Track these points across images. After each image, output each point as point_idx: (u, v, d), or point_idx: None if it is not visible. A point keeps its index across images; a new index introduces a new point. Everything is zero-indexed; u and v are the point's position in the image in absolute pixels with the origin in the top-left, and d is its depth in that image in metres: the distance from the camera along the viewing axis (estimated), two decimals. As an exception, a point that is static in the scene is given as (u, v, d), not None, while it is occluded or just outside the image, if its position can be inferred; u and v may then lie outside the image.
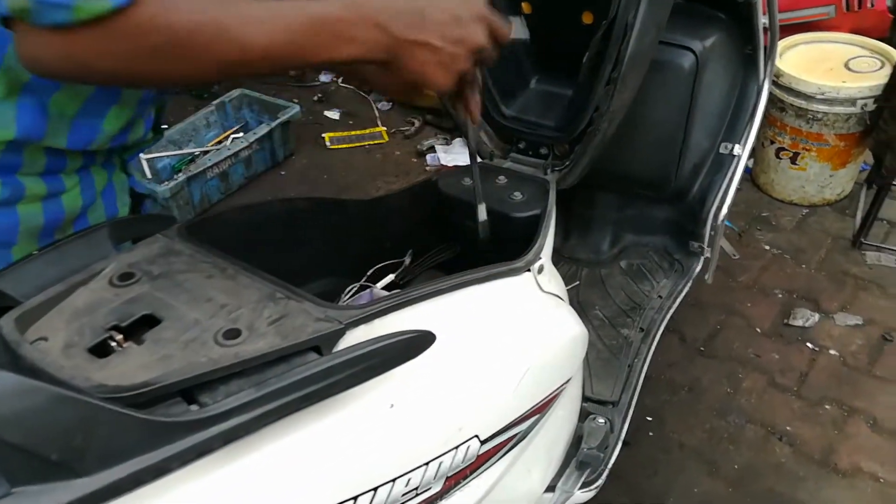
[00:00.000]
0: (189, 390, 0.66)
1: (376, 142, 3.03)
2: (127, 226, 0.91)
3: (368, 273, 1.24)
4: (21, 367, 0.65)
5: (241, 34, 0.66)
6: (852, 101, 2.33)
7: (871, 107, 2.32)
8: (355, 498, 0.73)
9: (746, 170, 2.16)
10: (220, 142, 2.87)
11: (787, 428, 1.83)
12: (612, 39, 1.20)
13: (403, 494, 0.78)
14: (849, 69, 2.44)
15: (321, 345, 0.74)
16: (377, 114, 3.17)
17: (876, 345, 2.03)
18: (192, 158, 2.73)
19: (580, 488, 1.22)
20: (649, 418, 1.85)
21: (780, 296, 2.21)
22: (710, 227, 1.66)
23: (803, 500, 1.67)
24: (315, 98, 3.29)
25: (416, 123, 3.08)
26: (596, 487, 1.27)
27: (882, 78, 2.31)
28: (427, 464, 0.80)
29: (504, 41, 0.82)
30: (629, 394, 1.42)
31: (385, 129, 3.10)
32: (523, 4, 1.47)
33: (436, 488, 0.83)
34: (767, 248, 2.40)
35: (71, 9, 0.60)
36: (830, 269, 2.30)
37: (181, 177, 2.54)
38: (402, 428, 0.78)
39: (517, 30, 0.93)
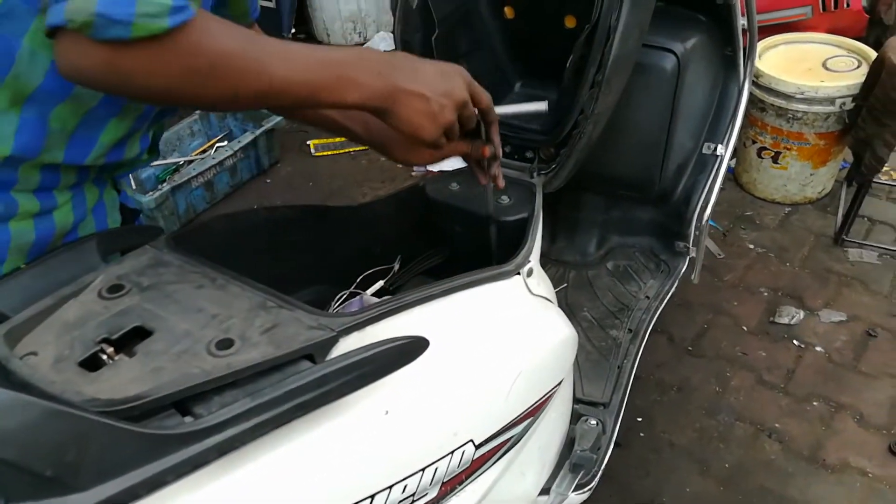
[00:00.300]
0: (183, 402, 0.65)
1: (361, 148, 3.03)
2: (114, 238, 0.91)
3: (358, 280, 1.24)
4: (11, 382, 0.64)
5: (268, 67, 0.73)
6: (831, 101, 2.36)
7: (850, 105, 2.35)
8: (352, 506, 0.73)
9: (729, 169, 2.18)
10: (204, 151, 2.85)
11: (776, 425, 1.84)
12: (595, 43, 1.21)
13: (400, 501, 0.78)
14: (827, 69, 2.47)
15: (314, 353, 0.73)
16: (361, 120, 3.16)
17: (860, 341, 2.05)
18: (177, 168, 2.71)
19: (574, 490, 1.22)
20: (639, 419, 1.86)
21: (766, 294, 2.23)
22: (695, 226, 1.68)
23: (793, 496, 1.68)
24: (298, 105, 3.28)
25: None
26: (590, 489, 1.27)
27: (859, 77, 2.34)
28: (423, 470, 0.80)
29: (484, 106, 0.91)
30: (620, 394, 1.42)
31: (369, 135, 3.09)
32: (506, 9, 1.47)
33: (432, 494, 0.83)
34: (751, 246, 2.42)
35: (130, 26, 0.64)
36: (814, 267, 2.32)
37: (166, 187, 2.52)
38: (398, 434, 0.78)
39: (540, 106, 1.08)
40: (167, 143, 2.76)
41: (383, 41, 3.72)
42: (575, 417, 1.33)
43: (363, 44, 3.77)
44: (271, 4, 3.32)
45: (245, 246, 1.08)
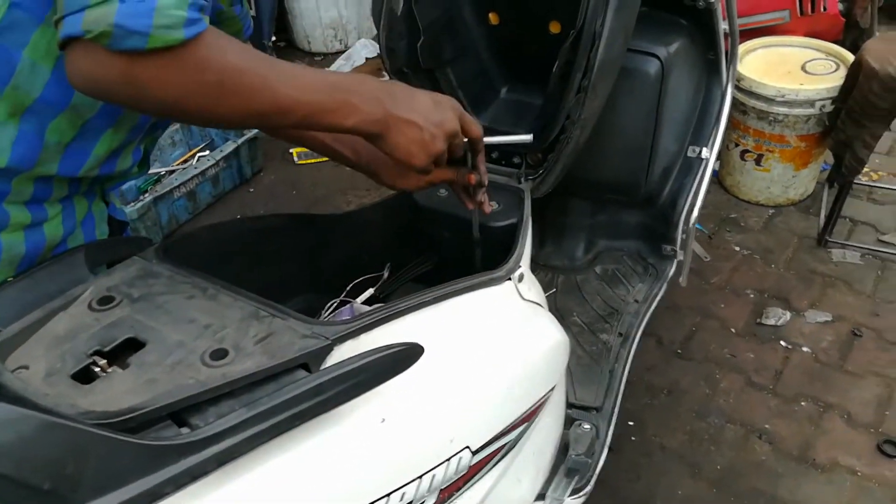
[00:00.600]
0: (178, 413, 0.65)
1: (345, 157, 3.02)
2: (102, 249, 0.90)
3: (348, 288, 1.23)
4: (3, 396, 0.63)
5: (276, 86, 0.75)
6: (811, 103, 2.39)
7: (829, 108, 2.38)
8: (350, 515, 0.72)
9: (713, 172, 2.19)
10: (185, 161, 2.83)
11: (766, 426, 1.85)
12: (580, 48, 1.21)
13: (398, 509, 0.77)
14: (806, 72, 2.50)
15: (309, 362, 0.73)
16: (344, 129, 3.15)
17: (846, 340, 2.07)
18: (158, 178, 2.69)
19: (570, 495, 1.22)
20: (630, 423, 1.86)
21: (752, 296, 2.24)
22: (682, 230, 1.69)
23: (784, 496, 1.69)
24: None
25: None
26: (585, 494, 1.27)
27: (838, 80, 2.37)
28: (421, 477, 0.79)
29: (474, 136, 0.95)
30: (612, 399, 1.42)
31: (353, 143, 3.08)
32: (491, 15, 1.48)
33: (430, 501, 0.82)
34: (737, 248, 2.44)
35: (147, 37, 0.65)
36: (798, 268, 2.34)
37: (147, 197, 2.50)
38: (395, 442, 0.78)
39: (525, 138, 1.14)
40: (149, 155, 2.73)
41: (364, 48, 3.72)
42: (568, 422, 1.33)
43: (344, 51, 3.76)
44: (251, 12, 3.31)
45: (233, 255, 1.08)
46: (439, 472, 0.82)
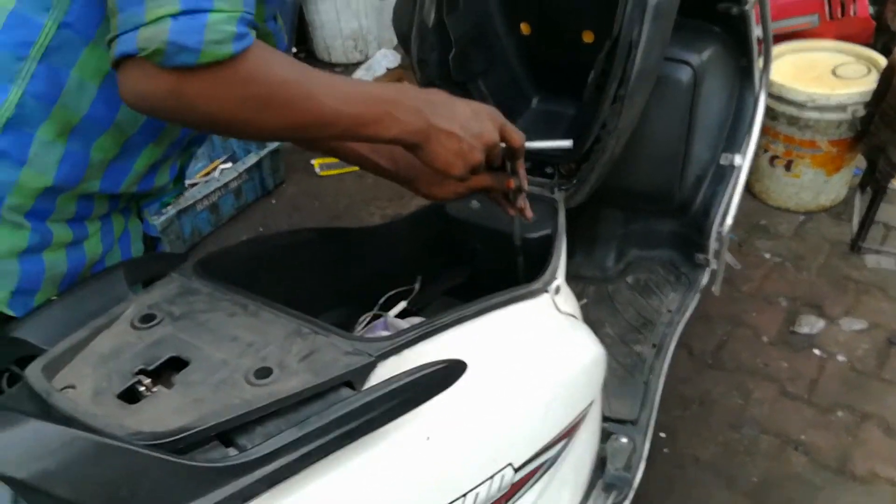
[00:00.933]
0: (226, 433, 0.64)
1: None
2: (140, 266, 0.90)
3: (381, 301, 1.23)
4: (53, 416, 0.63)
5: (319, 97, 0.76)
6: (843, 108, 2.35)
7: (862, 112, 2.35)
8: (397, 535, 0.71)
9: (743, 179, 2.16)
10: (207, 173, 2.84)
11: (802, 437, 1.82)
12: (617, 57, 1.20)
13: (443, 528, 0.76)
14: (836, 76, 2.46)
15: (353, 379, 0.72)
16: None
17: (882, 348, 2.03)
18: (181, 191, 2.70)
19: (608, 510, 1.21)
20: (662, 434, 1.83)
21: (784, 304, 2.21)
22: (715, 238, 1.67)
23: (823, 509, 1.66)
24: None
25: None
26: (624, 509, 1.25)
27: (870, 83, 2.34)
28: (465, 495, 0.78)
29: (515, 146, 0.94)
30: (648, 411, 1.40)
31: (376, 153, 3.08)
32: (522, 25, 1.47)
33: (473, 520, 0.81)
34: (768, 256, 2.40)
35: (198, 52, 0.67)
36: (831, 275, 2.30)
37: (171, 210, 2.50)
38: (440, 460, 0.77)
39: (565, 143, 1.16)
40: (174, 166, 2.75)
41: (385, 58, 3.73)
42: (604, 436, 1.32)
43: (364, 61, 3.77)
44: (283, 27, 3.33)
45: (267, 270, 1.08)
46: (483, 489, 0.81)
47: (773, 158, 2.54)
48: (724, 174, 1.69)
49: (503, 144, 0.93)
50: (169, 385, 0.69)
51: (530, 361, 0.93)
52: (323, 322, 0.79)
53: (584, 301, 1.71)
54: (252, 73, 0.70)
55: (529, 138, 1.01)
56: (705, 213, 1.67)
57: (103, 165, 0.85)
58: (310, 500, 0.65)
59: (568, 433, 0.99)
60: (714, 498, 1.70)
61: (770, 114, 2.45)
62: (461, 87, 1.42)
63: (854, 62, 2.51)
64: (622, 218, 1.77)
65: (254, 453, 0.60)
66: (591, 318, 1.67)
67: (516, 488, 0.88)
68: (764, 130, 2.52)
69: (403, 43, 1.41)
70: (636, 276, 1.76)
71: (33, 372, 0.67)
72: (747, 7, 1.49)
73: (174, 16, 0.65)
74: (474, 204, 1.26)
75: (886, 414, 1.86)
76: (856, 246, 2.38)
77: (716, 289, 1.74)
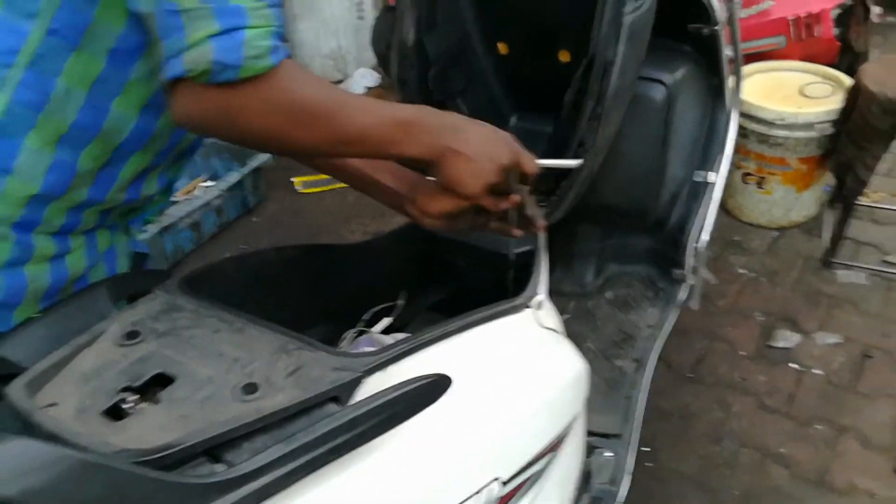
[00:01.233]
0: (213, 449, 0.64)
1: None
2: (124, 283, 0.89)
3: (365, 318, 1.22)
4: (36, 434, 0.62)
5: (347, 115, 0.79)
6: (810, 126, 2.41)
7: (829, 130, 2.41)
8: (385, 550, 0.71)
9: (717, 196, 2.20)
10: (189, 191, 2.83)
11: (781, 450, 1.84)
12: (592, 76, 1.22)
13: (431, 543, 0.76)
14: (804, 95, 2.53)
15: (339, 395, 0.72)
16: (346, 158, 3.16)
17: (857, 362, 2.07)
18: (162, 209, 2.68)
19: (593, 525, 1.21)
20: (644, 448, 1.84)
21: (760, 318, 2.24)
22: (691, 254, 1.69)
23: (803, 521, 1.68)
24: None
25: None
26: (608, 523, 1.25)
27: (836, 102, 2.40)
28: (452, 510, 0.78)
29: (530, 172, 0.96)
30: (631, 425, 1.41)
31: (356, 172, 3.09)
32: (500, 45, 1.49)
33: (461, 535, 0.81)
34: (742, 271, 2.44)
35: (239, 68, 0.70)
36: (804, 290, 2.34)
37: (153, 228, 2.49)
38: (426, 475, 0.77)
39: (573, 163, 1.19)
40: (153, 187, 2.73)
41: (364, 78, 3.75)
42: (589, 450, 1.32)
43: (343, 80, 3.79)
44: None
45: (251, 287, 1.07)
46: (470, 504, 0.81)
47: (745, 175, 2.59)
48: (699, 191, 1.72)
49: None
50: (154, 402, 0.69)
51: (514, 376, 0.94)
52: (308, 338, 0.78)
53: (566, 316, 1.72)
54: (289, 84, 0.74)
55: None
56: (680, 229, 1.70)
57: (91, 174, 0.85)
58: (298, 516, 0.65)
59: (553, 447, 0.99)
60: (696, 512, 1.71)
61: (741, 132, 2.49)
62: (441, 106, 1.43)
63: (820, 82, 2.57)
64: (599, 233, 1.79)
65: (241, 469, 0.60)
66: (573, 333, 1.66)
67: (503, 502, 0.88)
68: (736, 148, 2.57)
69: (382, 62, 1.42)
70: (615, 291, 1.78)
71: (15, 389, 0.66)
72: (718, 28, 1.52)
73: (213, 36, 0.69)
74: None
75: (863, 426, 1.88)
76: (827, 261, 2.43)
77: (694, 303, 1.76)
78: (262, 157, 2.82)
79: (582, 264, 1.80)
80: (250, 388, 0.70)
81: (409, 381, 0.72)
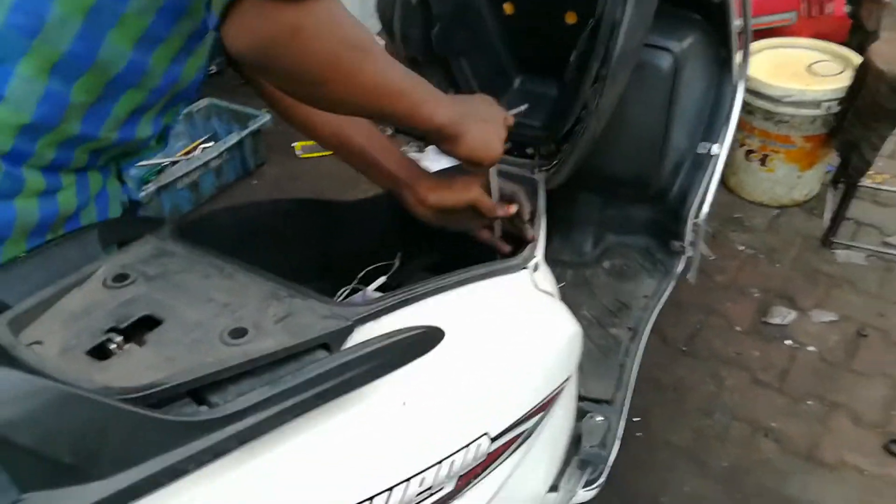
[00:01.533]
0: (198, 391, 0.63)
1: (347, 151, 3.00)
2: (116, 227, 0.88)
3: (360, 275, 1.21)
4: (19, 370, 0.61)
5: (376, 62, 0.78)
6: (817, 104, 2.38)
7: (836, 109, 2.38)
8: (371, 498, 0.70)
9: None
10: (188, 152, 2.81)
11: (772, 424, 1.84)
12: (599, 37, 1.20)
13: (418, 494, 0.76)
14: (812, 73, 2.49)
15: (330, 342, 0.71)
16: (347, 123, 3.14)
17: (852, 340, 2.07)
18: (161, 169, 2.67)
19: (583, 487, 1.21)
20: (636, 418, 1.85)
21: (757, 294, 2.24)
22: (691, 226, 1.67)
23: (792, 494, 1.68)
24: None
25: (388, 131, 3.05)
26: (598, 486, 1.26)
27: (844, 81, 2.37)
28: (440, 462, 0.78)
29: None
30: (623, 392, 1.41)
31: (356, 137, 3.07)
32: (505, 5, 1.47)
33: (448, 488, 0.81)
34: (741, 248, 2.43)
35: None
36: (803, 268, 2.34)
37: (151, 187, 2.48)
38: (416, 426, 0.76)
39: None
40: (151, 146, 2.71)
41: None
42: (580, 415, 1.32)
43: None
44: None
45: (246, 238, 1.06)
46: (459, 457, 0.80)
47: (748, 153, 2.57)
48: (702, 162, 1.70)
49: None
50: (141, 343, 0.68)
51: (507, 333, 0.93)
52: (300, 286, 0.77)
53: (562, 284, 1.71)
54: (342, 10, 0.73)
55: (500, 100, 1.05)
56: (682, 200, 1.68)
57: (84, 107, 0.83)
58: (283, 460, 0.64)
59: (544, 406, 0.99)
60: (686, 482, 1.72)
61: (746, 108, 2.47)
62: (443, 65, 1.41)
63: (829, 60, 2.54)
64: (599, 202, 1.77)
65: (226, 409, 0.59)
66: (569, 301, 1.65)
67: (493, 458, 0.88)
68: (740, 125, 2.54)
69: (386, 26, 1.39)
70: (613, 261, 1.77)
71: (-2, 326, 0.65)
72: (727, -4, 1.50)
73: None
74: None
75: (855, 404, 1.89)
76: (827, 241, 2.42)
77: (691, 277, 1.75)
78: (263, 120, 2.79)
79: (580, 233, 1.79)
80: (239, 333, 0.69)
81: (400, 330, 0.72)
